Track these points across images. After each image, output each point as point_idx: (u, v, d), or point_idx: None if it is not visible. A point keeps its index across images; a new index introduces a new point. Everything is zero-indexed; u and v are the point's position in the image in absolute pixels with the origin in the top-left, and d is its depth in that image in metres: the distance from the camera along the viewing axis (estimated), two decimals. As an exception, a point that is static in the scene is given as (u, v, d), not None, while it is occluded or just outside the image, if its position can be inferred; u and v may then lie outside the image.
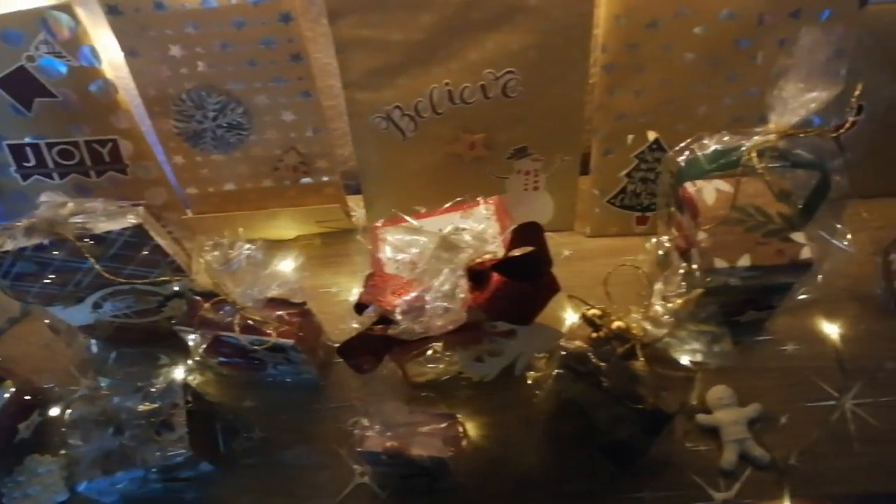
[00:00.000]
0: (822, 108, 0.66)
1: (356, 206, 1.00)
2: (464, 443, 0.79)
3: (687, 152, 0.71)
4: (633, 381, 0.67)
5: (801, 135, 0.66)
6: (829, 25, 0.62)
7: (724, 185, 0.78)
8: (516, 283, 0.67)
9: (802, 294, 0.88)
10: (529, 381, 0.83)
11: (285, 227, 0.97)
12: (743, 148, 0.66)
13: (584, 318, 0.69)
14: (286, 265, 0.96)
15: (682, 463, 0.80)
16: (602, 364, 0.67)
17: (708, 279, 0.77)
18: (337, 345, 0.74)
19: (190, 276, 0.81)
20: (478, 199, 0.81)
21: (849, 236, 0.89)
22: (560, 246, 0.98)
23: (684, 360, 0.69)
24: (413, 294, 0.70)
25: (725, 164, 0.68)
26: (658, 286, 0.70)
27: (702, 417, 0.81)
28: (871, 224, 0.93)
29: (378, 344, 0.72)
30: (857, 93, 0.63)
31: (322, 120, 0.86)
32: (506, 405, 0.85)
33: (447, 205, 0.80)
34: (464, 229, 0.80)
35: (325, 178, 0.92)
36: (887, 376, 0.83)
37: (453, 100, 0.83)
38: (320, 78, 0.89)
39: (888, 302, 0.88)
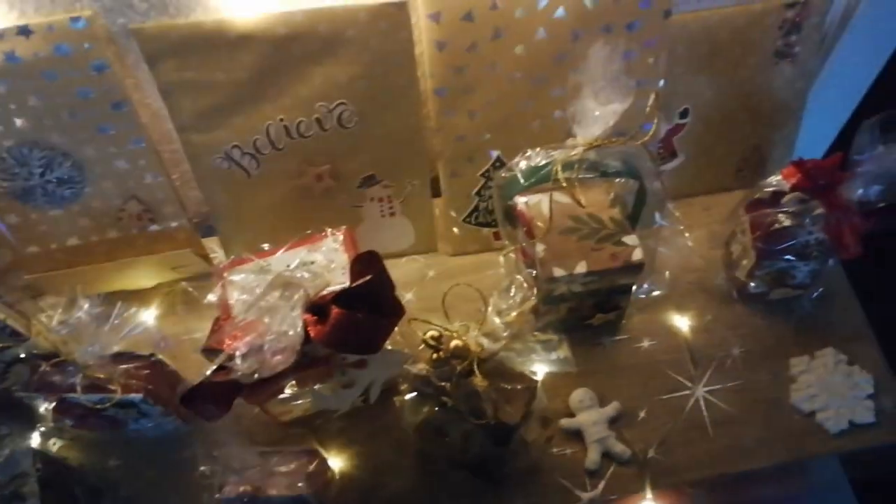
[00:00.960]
0: (635, 115, 0.69)
1: (218, 247, 0.99)
2: (328, 475, 0.79)
3: (507, 171, 0.73)
4: (475, 397, 0.68)
5: (608, 145, 0.69)
6: (614, 40, 0.65)
7: (559, 197, 0.81)
8: (355, 314, 0.67)
9: (654, 292, 0.92)
10: (397, 405, 0.84)
11: (141, 276, 0.95)
12: (553, 163, 0.69)
13: (423, 340, 0.70)
14: (145, 315, 0.95)
15: (550, 468, 0.82)
16: (444, 384, 0.69)
17: (550, 288, 0.79)
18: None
19: (28, 338, 0.78)
20: (325, 231, 0.81)
21: (690, 233, 0.95)
22: (426, 267, 1.00)
23: (528, 370, 0.72)
24: (251, 335, 0.69)
25: (539, 179, 0.70)
26: (493, 301, 0.71)
27: (565, 422, 0.84)
28: (711, 219, 0.99)
29: (223, 390, 0.70)
30: (650, 102, 0.67)
31: (160, 166, 0.85)
32: (377, 432, 0.85)
33: (293, 240, 0.81)
34: (312, 263, 0.81)
35: (174, 224, 0.90)
36: (734, 361, 0.88)
37: (291, 135, 0.84)
38: (156, 123, 0.88)
39: (730, 291, 0.93)
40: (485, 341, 0.69)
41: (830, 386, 0.84)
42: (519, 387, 0.69)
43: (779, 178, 0.81)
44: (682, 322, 0.91)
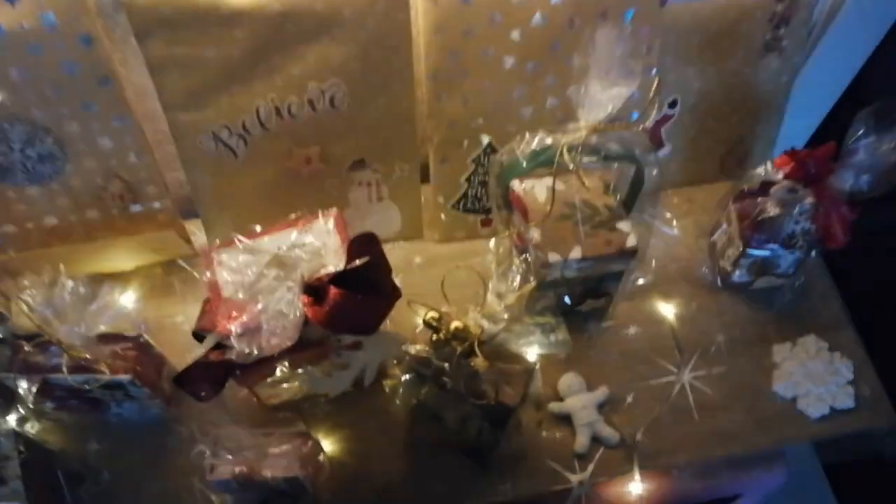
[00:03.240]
0: (625, 103, 0.70)
1: (198, 229, 0.96)
2: (321, 458, 0.78)
3: (507, 154, 0.73)
4: (475, 378, 0.68)
5: (610, 130, 0.69)
6: (621, 25, 0.65)
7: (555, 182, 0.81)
8: (354, 295, 0.67)
9: (639, 280, 0.93)
10: (387, 390, 0.83)
11: (120, 258, 0.92)
12: (555, 146, 0.69)
13: (424, 321, 0.70)
14: (125, 298, 0.92)
15: (540, 451, 0.83)
16: (444, 365, 0.68)
17: (544, 273, 0.80)
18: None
19: (9, 319, 0.75)
20: (317, 212, 0.80)
21: (675, 223, 0.96)
22: (412, 254, 1.00)
23: (525, 352, 0.72)
24: (247, 316, 0.68)
25: (542, 163, 0.70)
26: (492, 284, 0.71)
27: (554, 405, 0.84)
28: (696, 209, 1.00)
29: (217, 370, 0.69)
30: (653, 87, 0.67)
31: (144, 144, 0.82)
32: (365, 416, 0.85)
33: (285, 221, 0.79)
34: (304, 245, 0.80)
35: (157, 205, 0.88)
36: (718, 348, 0.89)
37: (281, 115, 0.82)
38: (141, 100, 0.85)
39: (715, 280, 0.94)
40: (485, 323, 0.69)
41: (811, 372, 0.86)
42: (518, 368, 0.69)
43: (769, 167, 0.82)
44: (667, 310, 0.92)
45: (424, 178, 0.94)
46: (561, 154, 0.68)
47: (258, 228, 0.78)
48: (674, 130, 0.97)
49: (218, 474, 0.69)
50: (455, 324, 0.68)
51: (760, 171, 0.84)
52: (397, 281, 0.95)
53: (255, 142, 0.84)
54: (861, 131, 0.72)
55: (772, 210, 0.83)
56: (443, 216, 0.96)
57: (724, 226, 0.91)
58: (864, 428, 0.85)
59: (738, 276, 0.91)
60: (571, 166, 0.68)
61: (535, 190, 0.80)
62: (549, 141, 0.71)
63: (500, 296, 0.70)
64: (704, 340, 0.90)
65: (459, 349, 0.68)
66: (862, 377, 0.87)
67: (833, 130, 1.08)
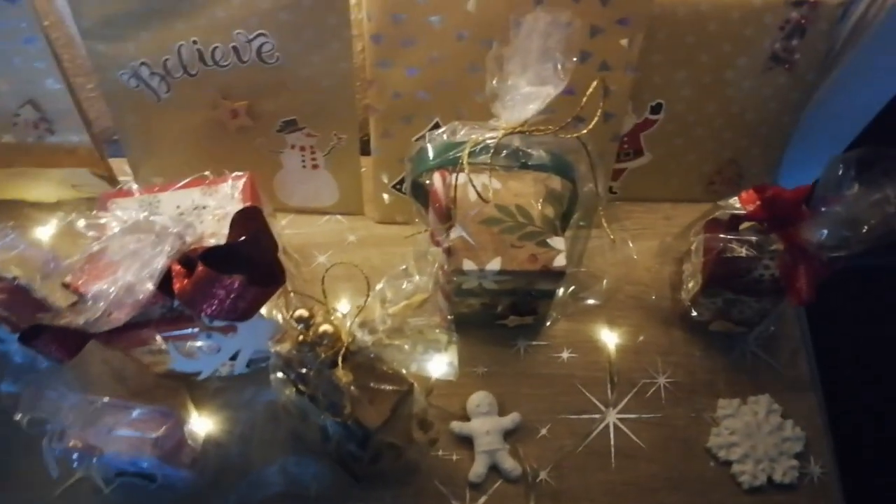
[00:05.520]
0: (548, 103, 0.59)
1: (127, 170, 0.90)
2: (180, 440, 0.72)
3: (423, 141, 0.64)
4: (336, 390, 0.60)
5: (538, 133, 0.59)
6: (557, 11, 0.54)
7: (488, 181, 0.71)
8: (217, 275, 0.60)
9: (588, 300, 0.83)
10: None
11: (39, 189, 0.87)
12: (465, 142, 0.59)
13: (292, 318, 0.62)
14: (41, 232, 0.88)
15: (431, 470, 0.75)
16: (304, 370, 0.61)
17: (459, 281, 0.71)
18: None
19: None
20: (225, 174, 0.73)
21: (631, 244, 0.85)
22: (347, 230, 0.91)
23: (404, 371, 0.63)
24: (104, 280, 0.62)
25: (449, 160, 0.60)
26: (380, 287, 0.63)
27: (456, 425, 0.76)
28: (669, 230, 0.88)
29: (68, 334, 0.63)
30: (591, 88, 0.57)
31: (61, 72, 0.76)
32: (256, 399, 0.78)
33: (187, 179, 0.73)
34: (204, 208, 0.73)
35: (75, 139, 0.82)
36: (656, 392, 0.80)
37: (205, 61, 0.74)
38: (62, 26, 0.78)
39: (672, 314, 0.83)
40: (359, 332, 0.61)
41: (755, 437, 0.76)
42: (388, 388, 0.61)
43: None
44: (610, 338, 0.82)
45: (368, 151, 0.86)
46: (470, 153, 0.58)
47: (158, 182, 0.72)
48: (656, 139, 0.85)
49: (54, 444, 0.64)
50: (324, 327, 0.60)
51: (733, 201, 0.72)
52: (325, 258, 0.88)
53: (179, 86, 0.77)
54: (838, 179, 0.59)
55: (738, 249, 0.71)
56: (385, 195, 0.87)
57: (692, 255, 0.80)
58: (802, 510, 0.75)
59: (695, 314, 0.80)
60: (465, 170, 0.58)
61: (467, 186, 0.71)
62: (461, 133, 0.61)
63: (384, 302, 0.62)
64: (644, 379, 0.80)
65: (323, 356, 0.60)
66: (814, 453, 0.76)
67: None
